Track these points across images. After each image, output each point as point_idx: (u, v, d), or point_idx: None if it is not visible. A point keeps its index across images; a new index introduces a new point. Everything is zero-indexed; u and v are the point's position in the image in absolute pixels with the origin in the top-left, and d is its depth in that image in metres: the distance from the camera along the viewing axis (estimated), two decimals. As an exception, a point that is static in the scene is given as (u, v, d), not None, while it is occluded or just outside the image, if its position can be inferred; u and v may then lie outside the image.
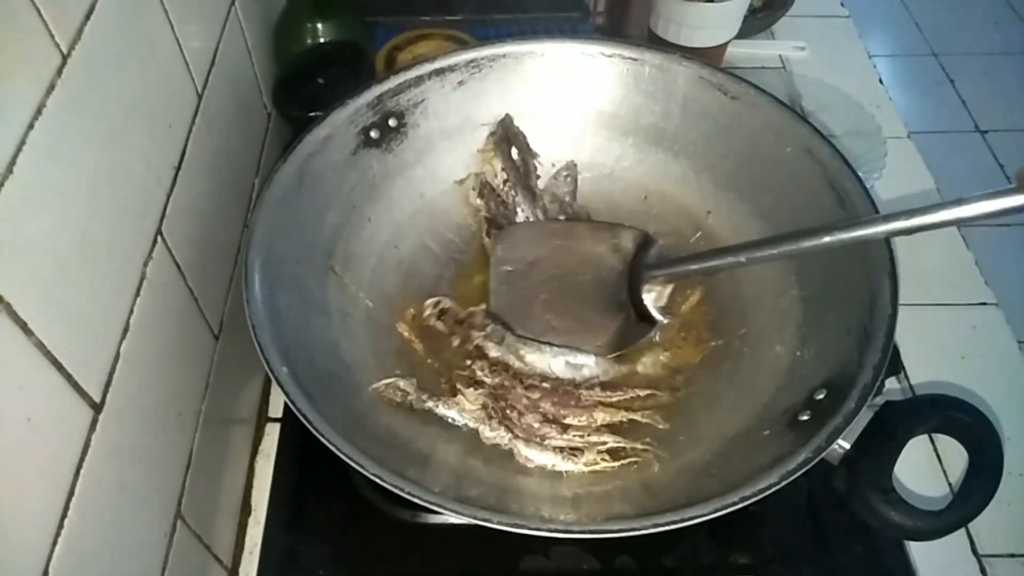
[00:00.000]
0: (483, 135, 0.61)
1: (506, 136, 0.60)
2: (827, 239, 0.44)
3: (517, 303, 0.55)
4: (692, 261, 0.52)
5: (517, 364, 0.52)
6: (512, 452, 0.48)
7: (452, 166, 0.61)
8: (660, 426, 0.50)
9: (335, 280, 0.53)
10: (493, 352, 0.53)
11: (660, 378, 0.53)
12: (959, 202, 0.40)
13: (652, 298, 0.54)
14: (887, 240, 0.47)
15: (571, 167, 0.62)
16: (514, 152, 0.60)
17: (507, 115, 0.61)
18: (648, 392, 0.52)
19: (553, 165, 0.63)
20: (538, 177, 0.62)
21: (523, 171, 0.61)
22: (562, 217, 0.60)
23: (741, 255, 0.49)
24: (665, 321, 0.54)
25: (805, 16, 0.87)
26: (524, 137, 0.62)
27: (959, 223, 0.41)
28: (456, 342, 0.53)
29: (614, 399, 0.51)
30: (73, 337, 0.32)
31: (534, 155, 0.62)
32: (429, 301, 0.55)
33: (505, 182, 0.60)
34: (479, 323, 0.54)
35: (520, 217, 0.60)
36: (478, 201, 0.60)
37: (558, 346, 0.53)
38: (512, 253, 0.57)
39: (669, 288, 0.55)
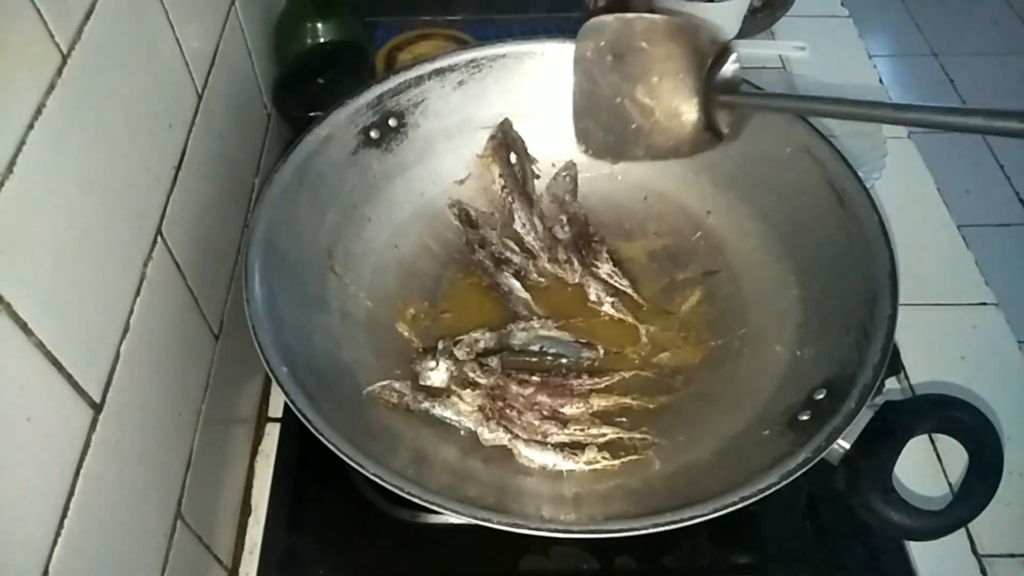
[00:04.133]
0: (483, 136, 0.61)
1: (505, 141, 0.60)
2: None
3: (598, 100, 0.54)
4: (762, 97, 0.53)
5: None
6: (512, 452, 0.48)
7: (452, 166, 0.61)
8: (650, 406, 0.51)
9: (335, 280, 0.53)
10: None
11: (642, 358, 0.54)
12: None
13: (723, 115, 0.53)
14: (887, 240, 0.48)
15: (570, 167, 0.62)
16: (512, 157, 0.60)
17: (506, 119, 0.61)
18: (633, 372, 0.53)
19: (553, 165, 0.63)
20: (538, 178, 0.62)
21: (520, 177, 0.61)
22: (564, 217, 0.60)
23: (820, 104, 0.49)
24: (726, 132, 0.53)
25: (805, 16, 0.87)
26: (523, 142, 0.62)
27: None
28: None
29: (603, 384, 0.52)
30: (73, 337, 0.32)
31: (532, 160, 0.62)
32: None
33: (503, 188, 0.60)
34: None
35: (517, 224, 0.60)
36: (456, 224, 0.60)
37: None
38: (595, 51, 0.55)
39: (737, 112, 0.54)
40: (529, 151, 0.62)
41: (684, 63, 0.53)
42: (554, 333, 0.55)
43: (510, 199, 0.60)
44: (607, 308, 0.56)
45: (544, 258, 0.59)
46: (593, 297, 0.57)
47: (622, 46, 0.54)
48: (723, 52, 0.53)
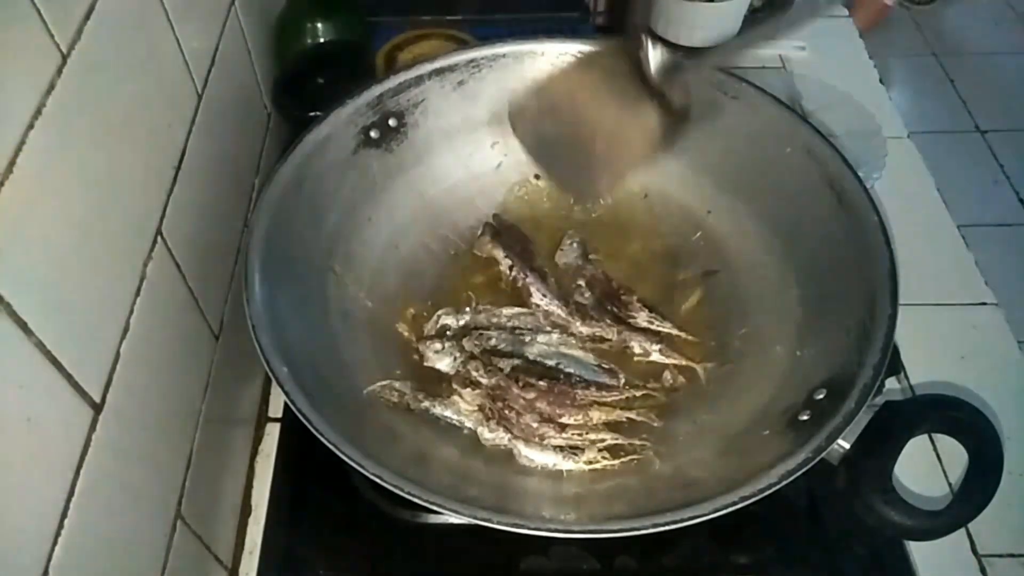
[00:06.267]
0: (482, 136, 0.61)
1: (498, 230, 0.59)
2: None
3: (556, 153, 0.55)
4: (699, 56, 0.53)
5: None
6: (512, 452, 0.48)
7: (452, 166, 0.61)
8: (655, 424, 0.50)
9: (335, 280, 0.53)
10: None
11: (654, 377, 0.53)
12: None
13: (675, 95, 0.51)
14: (886, 240, 0.48)
15: (573, 235, 0.60)
16: (511, 241, 0.59)
17: (495, 214, 0.60)
18: (643, 392, 0.52)
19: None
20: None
21: (525, 255, 0.58)
22: (581, 282, 0.57)
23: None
24: (686, 103, 0.52)
25: (805, 16, 0.87)
26: (517, 227, 0.60)
27: None
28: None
29: (609, 399, 0.51)
30: (73, 337, 0.32)
31: (530, 241, 0.60)
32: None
33: (511, 267, 0.57)
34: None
35: (536, 296, 0.56)
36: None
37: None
38: (531, 122, 0.56)
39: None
40: (524, 232, 0.60)
41: (615, 83, 0.52)
42: (576, 353, 0.53)
43: (522, 275, 0.57)
44: (655, 356, 0.54)
45: (576, 323, 0.55)
46: (638, 350, 0.54)
47: (553, 105, 0.55)
48: (639, 44, 0.51)
